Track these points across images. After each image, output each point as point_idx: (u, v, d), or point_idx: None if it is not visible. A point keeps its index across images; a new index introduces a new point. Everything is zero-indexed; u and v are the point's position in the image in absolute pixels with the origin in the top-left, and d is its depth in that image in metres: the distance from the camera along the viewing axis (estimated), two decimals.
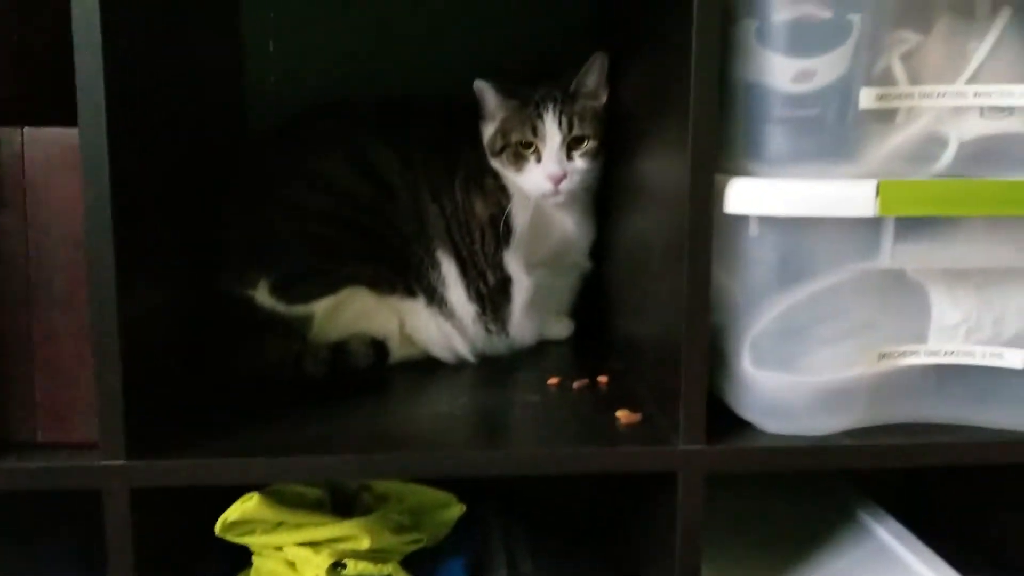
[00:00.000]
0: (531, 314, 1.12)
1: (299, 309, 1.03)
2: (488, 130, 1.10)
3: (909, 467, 0.83)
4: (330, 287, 1.03)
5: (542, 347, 1.16)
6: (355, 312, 1.05)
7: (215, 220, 1.04)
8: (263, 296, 1.03)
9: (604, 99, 1.09)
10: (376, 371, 1.04)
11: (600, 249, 1.17)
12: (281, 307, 1.03)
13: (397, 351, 1.07)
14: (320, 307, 1.04)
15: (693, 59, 0.75)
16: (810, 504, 1.13)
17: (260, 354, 1.01)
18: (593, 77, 1.08)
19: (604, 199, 1.15)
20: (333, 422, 0.88)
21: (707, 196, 0.77)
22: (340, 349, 1.03)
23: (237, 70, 1.22)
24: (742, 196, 0.78)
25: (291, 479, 0.85)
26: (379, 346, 1.05)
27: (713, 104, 0.76)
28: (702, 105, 0.75)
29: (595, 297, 1.20)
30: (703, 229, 0.77)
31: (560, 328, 1.20)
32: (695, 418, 0.80)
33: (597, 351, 1.13)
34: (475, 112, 1.11)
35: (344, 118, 1.11)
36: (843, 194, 0.76)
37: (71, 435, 0.81)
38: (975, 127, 0.80)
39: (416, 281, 1.06)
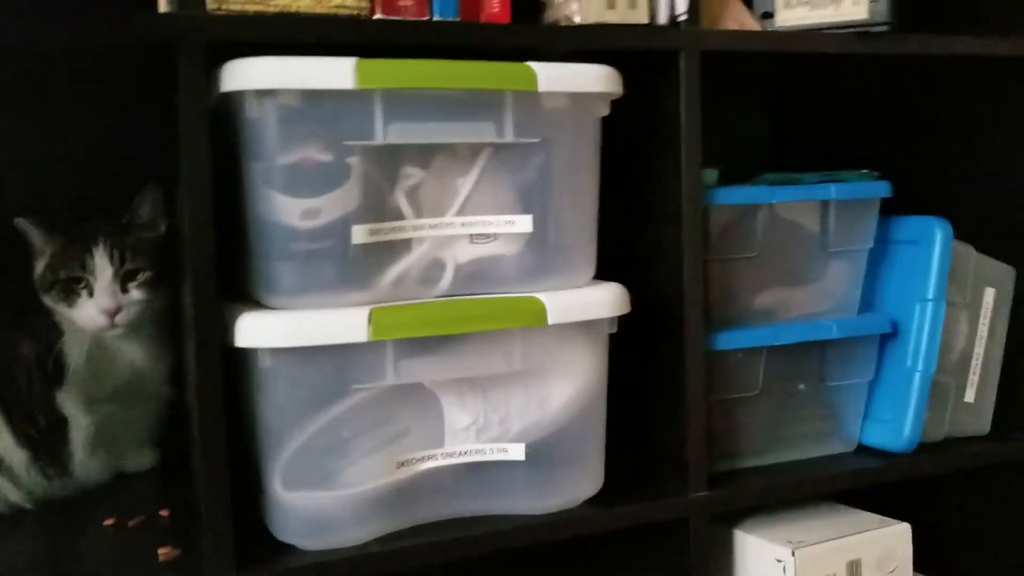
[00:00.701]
0: (101, 451, 1.09)
1: None
2: (38, 266, 1.07)
3: (438, 563, 0.89)
4: None
5: (120, 482, 1.13)
6: None
7: None
8: None
9: (163, 229, 1.10)
10: None
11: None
12: None
13: None
14: None
15: (185, 195, 0.79)
16: None
17: None
18: (146, 208, 1.09)
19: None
20: None
21: (212, 326, 0.80)
22: None
23: None
24: (249, 329, 0.82)
25: None
26: None
27: (208, 243, 0.80)
28: (198, 244, 0.80)
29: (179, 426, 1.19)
30: (210, 358, 0.80)
31: (140, 460, 1.17)
32: (222, 548, 0.81)
33: (179, 481, 1.11)
34: (18, 249, 1.08)
35: None
36: (339, 323, 0.82)
37: None
38: (468, 251, 0.91)
39: None
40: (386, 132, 0.84)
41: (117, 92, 1.16)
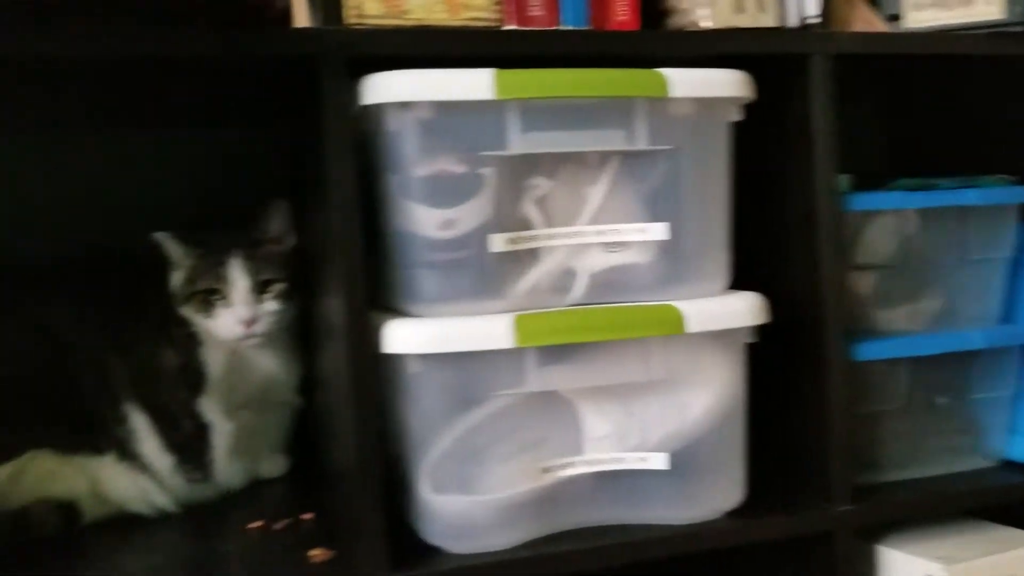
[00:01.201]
0: (238, 456, 1.12)
1: None
2: (175, 279, 1.11)
3: (583, 571, 0.89)
4: (7, 454, 0.99)
5: (255, 487, 1.16)
6: (38, 476, 1.01)
7: None
8: None
9: (290, 243, 1.13)
10: (66, 536, 1.00)
11: (310, 384, 1.20)
12: None
13: (91, 511, 1.03)
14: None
15: (333, 211, 0.81)
16: None
17: None
18: (275, 223, 1.12)
19: (310, 335, 1.18)
20: None
21: (363, 334, 0.82)
22: (20, 517, 0.98)
23: None
24: (398, 336, 0.84)
25: None
26: (68, 509, 1.01)
27: (357, 253, 0.82)
28: (347, 254, 0.81)
29: (309, 432, 1.22)
30: (362, 367, 0.83)
31: (273, 466, 1.20)
32: (378, 550, 0.83)
33: (310, 486, 1.14)
34: (158, 263, 1.12)
35: (14, 282, 1.08)
36: (484, 329, 0.83)
37: None
38: (601, 260, 0.91)
39: (103, 438, 1.04)
40: (520, 142, 0.85)
41: (239, 111, 1.20)
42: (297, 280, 1.12)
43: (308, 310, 1.14)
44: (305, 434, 1.23)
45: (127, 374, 1.05)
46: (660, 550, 0.92)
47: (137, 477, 1.05)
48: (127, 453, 1.05)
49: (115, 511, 1.05)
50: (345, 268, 0.81)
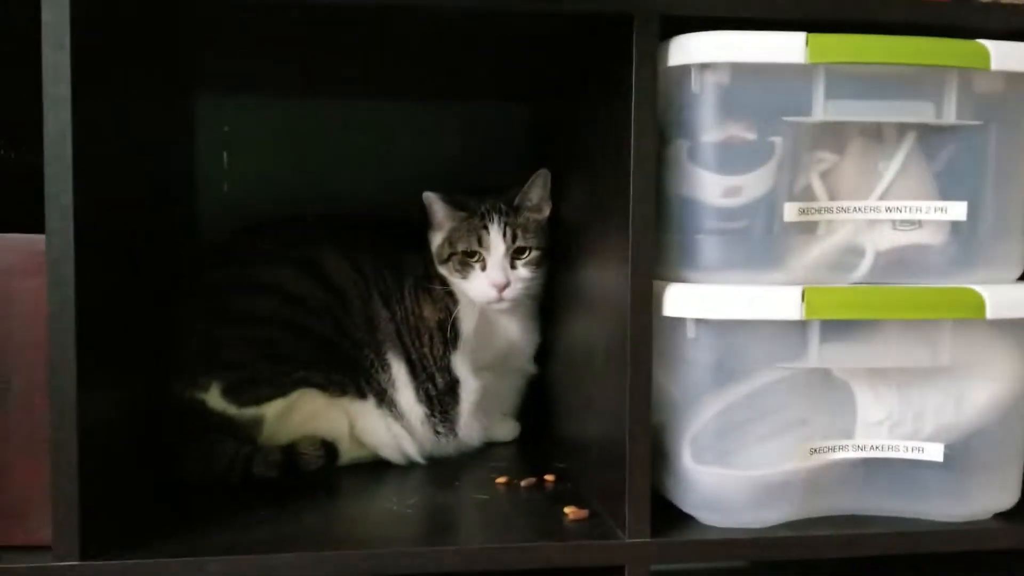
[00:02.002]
0: (478, 416, 1.15)
1: (250, 411, 1.05)
2: (436, 239, 1.16)
3: (844, 557, 0.86)
4: (281, 390, 1.06)
5: (489, 448, 1.19)
6: (306, 414, 1.07)
7: (169, 326, 1.06)
8: (215, 399, 1.04)
9: (547, 212, 1.15)
10: (326, 472, 1.06)
11: (544, 354, 1.22)
12: (232, 409, 1.05)
13: (347, 453, 1.09)
14: (271, 410, 1.06)
15: (631, 176, 0.81)
16: None
17: (211, 456, 1.02)
18: (537, 191, 1.14)
19: (548, 306, 1.20)
20: (284, 522, 0.89)
21: (647, 301, 0.82)
22: (291, 451, 1.04)
23: (191, 181, 1.26)
24: (680, 301, 0.84)
25: None
26: (329, 447, 1.07)
27: (651, 217, 0.82)
28: (641, 218, 0.82)
29: (539, 400, 1.24)
30: (643, 332, 0.82)
31: (507, 430, 1.23)
32: (640, 513, 0.83)
33: (542, 451, 1.16)
34: (420, 224, 1.17)
35: (296, 229, 1.15)
36: (772, 299, 0.82)
37: (22, 537, 0.81)
38: (889, 238, 0.87)
39: (367, 383, 1.09)
40: (825, 109, 0.83)
41: (509, 83, 1.23)
42: (548, 250, 1.14)
43: (553, 281, 1.16)
44: (531, 403, 1.25)
45: (392, 326, 1.10)
46: (927, 545, 0.88)
47: (392, 424, 1.09)
48: (385, 400, 1.09)
49: (368, 455, 1.10)
50: (637, 234, 0.81)
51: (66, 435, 0.77)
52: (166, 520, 0.89)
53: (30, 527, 0.81)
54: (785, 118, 0.83)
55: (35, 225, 0.79)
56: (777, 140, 0.84)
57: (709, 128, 0.84)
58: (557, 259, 1.14)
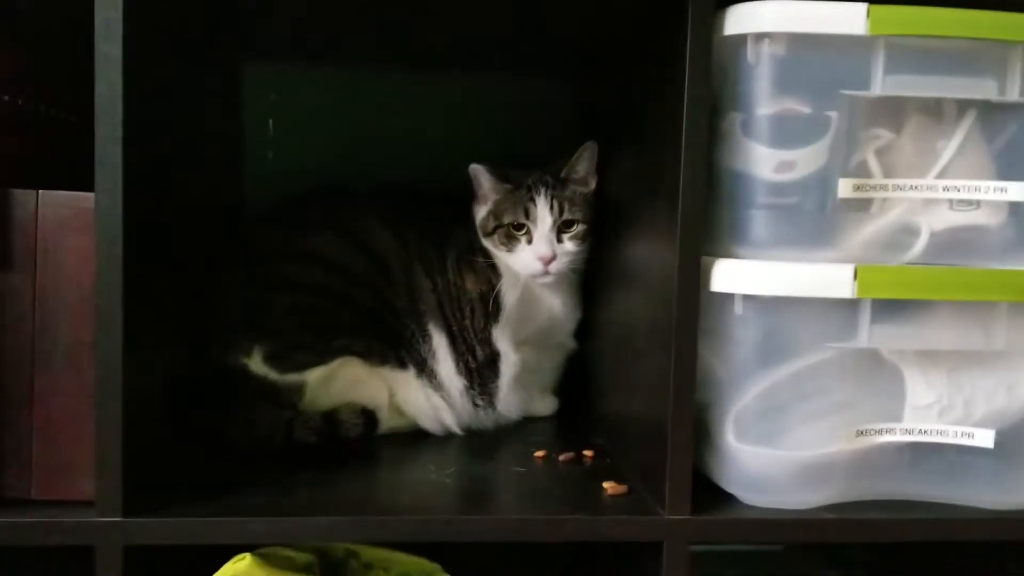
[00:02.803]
0: (517, 390, 1.15)
1: (291, 378, 1.05)
2: (481, 212, 1.15)
3: (886, 542, 0.85)
4: (322, 357, 1.06)
5: (527, 423, 1.18)
6: (346, 382, 1.07)
7: (214, 291, 1.07)
8: (257, 365, 1.05)
9: (594, 185, 1.14)
10: (365, 440, 1.06)
11: (584, 330, 1.21)
12: (274, 375, 1.05)
13: (386, 421, 1.09)
14: (312, 376, 1.06)
15: (683, 149, 0.80)
16: None
17: (252, 421, 1.02)
18: (583, 164, 1.13)
19: (589, 282, 1.19)
20: (324, 487, 0.90)
21: (695, 277, 0.81)
22: (331, 418, 1.05)
23: (237, 148, 1.27)
24: (728, 276, 0.83)
25: (286, 540, 0.85)
26: (369, 416, 1.07)
27: (701, 191, 0.80)
28: (690, 192, 0.80)
29: (578, 376, 1.23)
30: (690, 308, 0.81)
31: (545, 405, 1.22)
32: (681, 489, 0.82)
33: (580, 427, 1.16)
34: (465, 196, 1.16)
35: (341, 199, 1.16)
36: (823, 276, 0.80)
37: (65, 492, 0.82)
38: (945, 218, 0.85)
39: (407, 353, 1.09)
40: (884, 83, 0.81)
41: (547, 56, 1.22)
42: (593, 224, 1.13)
43: (595, 256, 1.15)
44: (569, 379, 1.24)
45: (434, 297, 1.10)
46: (973, 533, 0.87)
47: (431, 395, 1.09)
48: (425, 371, 1.09)
49: (407, 425, 1.11)
50: (686, 207, 0.80)
51: (111, 393, 0.78)
52: (208, 481, 0.90)
53: (75, 483, 0.82)
54: (842, 92, 0.81)
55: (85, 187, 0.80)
56: (833, 114, 0.82)
57: (764, 100, 0.82)
58: (600, 234, 1.13)
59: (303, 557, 0.90)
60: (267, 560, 0.85)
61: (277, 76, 1.29)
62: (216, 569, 0.85)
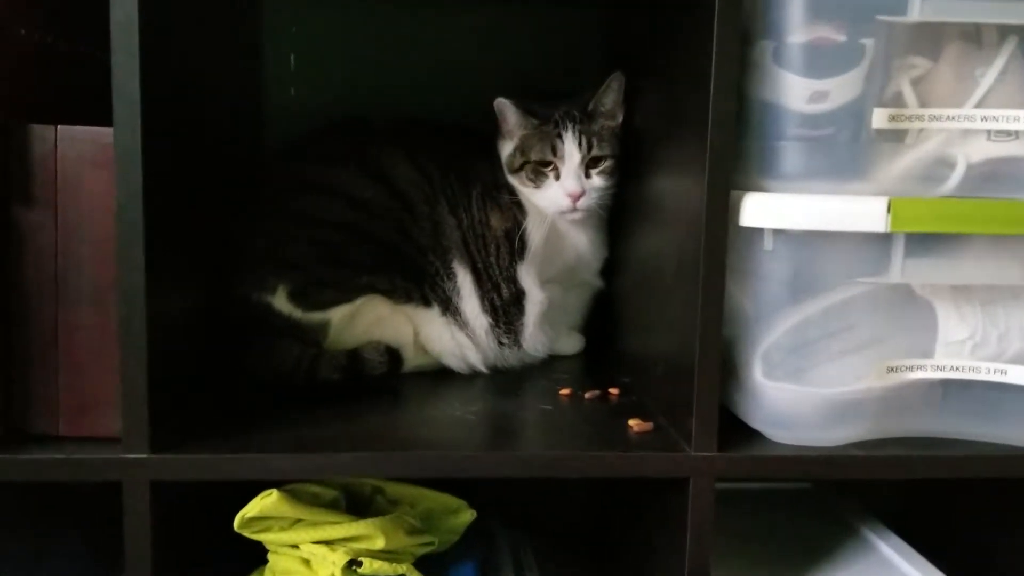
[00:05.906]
0: (543, 328, 1.14)
1: (316, 316, 1.05)
2: (507, 148, 1.13)
3: (915, 479, 0.84)
4: (347, 295, 1.05)
5: (552, 361, 1.18)
6: (371, 320, 1.07)
7: (236, 227, 1.06)
8: (281, 302, 1.04)
9: (621, 119, 1.12)
10: (390, 378, 1.06)
11: (610, 268, 1.19)
12: (298, 313, 1.05)
13: (411, 360, 1.09)
14: (336, 314, 1.06)
15: (712, 79, 0.77)
16: (814, 520, 1.14)
17: (276, 358, 1.02)
18: (611, 97, 1.10)
19: (615, 219, 1.17)
20: (350, 423, 0.90)
21: (723, 211, 0.79)
22: (355, 356, 1.05)
23: (258, 82, 1.25)
24: (759, 210, 0.81)
25: (310, 475, 0.86)
26: (393, 354, 1.07)
27: (730, 122, 0.78)
28: (720, 123, 0.78)
29: (603, 314, 1.22)
30: (718, 243, 0.80)
31: (571, 343, 1.22)
32: (707, 426, 0.81)
33: (606, 366, 1.15)
34: (490, 131, 1.14)
35: (364, 133, 1.14)
36: (856, 210, 0.78)
37: (91, 429, 0.82)
38: (982, 150, 0.82)
39: (432, 291, 1.08)
40: (922, 8, 0.78)
41: None
42: (621, 158, 1.11)
43: (621, 192, 1.13)
44: (594, 318, 1.23)
45: (458, 234, 1.08)
46: (1005, 470, 0.86)
47: (456, 333, 1.09)
48: (450, 308, 1.09)
49: (431, 363, 1.10)
50: (715, 139, 0.78)
51: (135, 329, 0.78)
52: (232, 418, 0.90)
53: (101, 420, 0.82)
54: (879, 17, 0.78)
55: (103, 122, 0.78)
56: (868, 42, 0.80)
57: (796, 28, 0.79)
58: (626, 168, 1.11)
59: (330, 493, 0.91)
60: (294, 496, 0.86)
61: (298, 9, 1.27)
62: (244, 503, 0.86)
